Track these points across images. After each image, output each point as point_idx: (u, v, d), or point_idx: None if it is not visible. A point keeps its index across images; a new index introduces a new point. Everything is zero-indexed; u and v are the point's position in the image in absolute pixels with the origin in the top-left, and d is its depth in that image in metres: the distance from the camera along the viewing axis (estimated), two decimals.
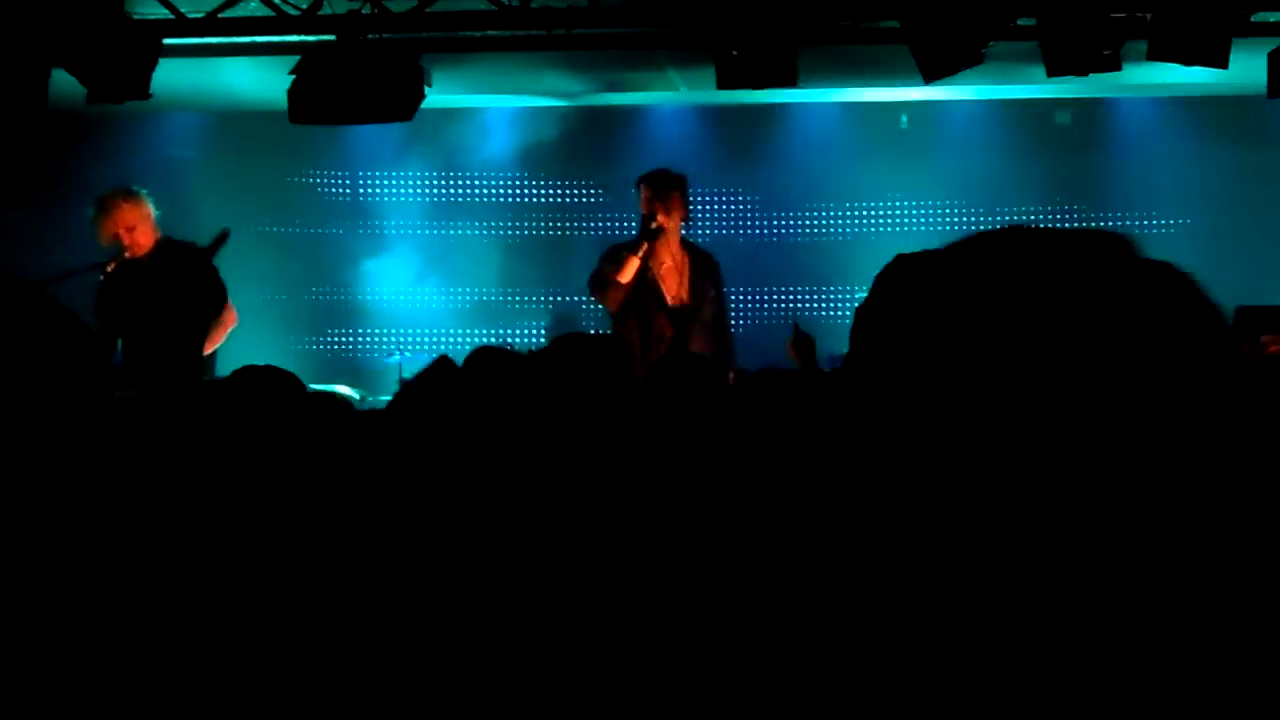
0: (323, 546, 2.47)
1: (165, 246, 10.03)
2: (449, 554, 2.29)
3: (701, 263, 9.85)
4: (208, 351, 10.05)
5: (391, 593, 2.29)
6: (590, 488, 2.22)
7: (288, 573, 2.47)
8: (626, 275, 9.55)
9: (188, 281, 9.71)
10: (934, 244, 3.47)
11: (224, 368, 10.34)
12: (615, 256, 9.65)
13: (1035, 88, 12.33)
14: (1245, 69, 9.79)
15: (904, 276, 1.85)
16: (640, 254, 9.54)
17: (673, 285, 9.71)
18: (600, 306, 10.07)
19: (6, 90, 10.05)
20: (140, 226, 9.94)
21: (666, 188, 9.66)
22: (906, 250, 3.40)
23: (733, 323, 10.38)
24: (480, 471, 2.38)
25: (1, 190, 13.58)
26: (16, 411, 2.14)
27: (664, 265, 9.70)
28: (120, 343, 9.97)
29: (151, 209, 10.04)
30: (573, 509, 2.25)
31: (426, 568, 2.30)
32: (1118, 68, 9.64)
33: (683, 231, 9.84)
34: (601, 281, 9.71)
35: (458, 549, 2.29)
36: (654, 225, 9.53)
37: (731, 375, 9.35)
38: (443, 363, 2.82)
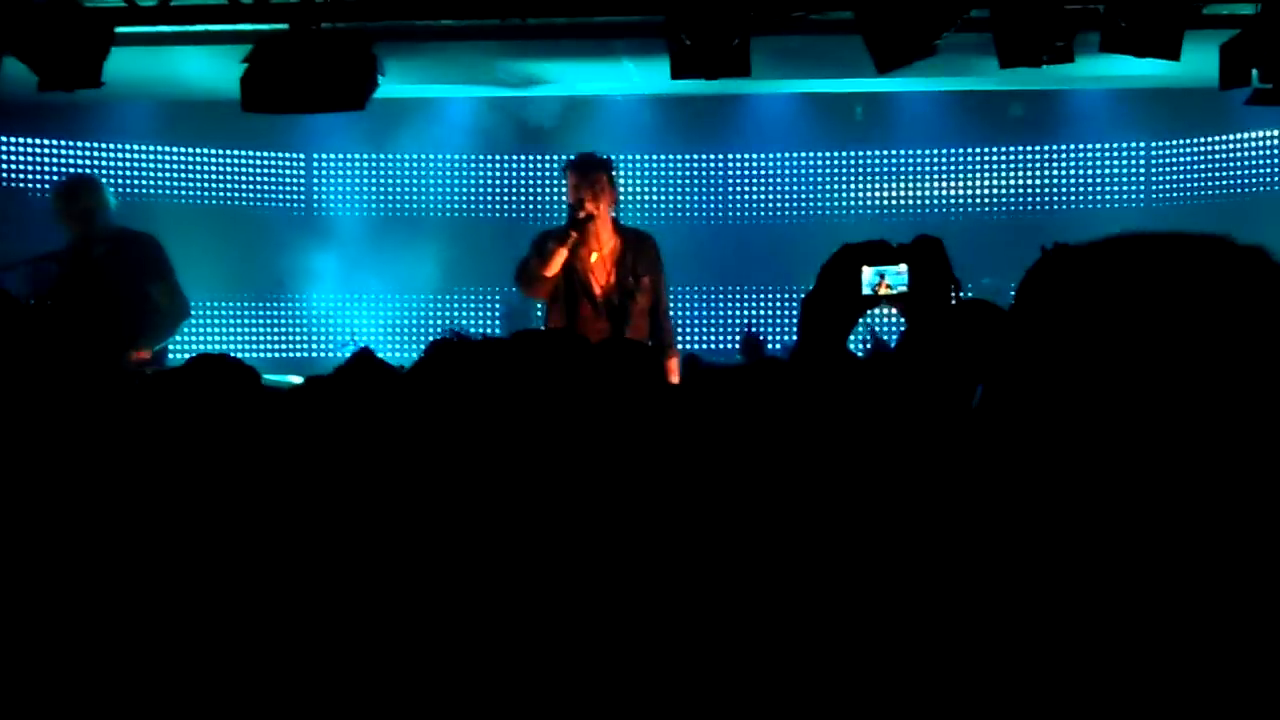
0: (283, 539, 2.47)
1: (120, 236, 10.03)
2: (414, 546, 2.29)
3: (634, 247, 9.39)
4: (158, 345, 10.05)
5: (358, 584, 2.29)
6: (535, 479, 2.22)
7: (251, 565, 2.46)
8: (552, 268, 9.14)
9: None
10: (886, 235, 3.49)
11: (176, 357, 10.32)
12: (541, 248, 9.22)
13: (989, 79, 12.36)
14: (1197, 61, 9.83)
15: (1059, 280, 1.84)
16: (567, 245, 9.13)
17: (602, 275, 9.29)
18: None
19: None
20: (96, 215, 9.95)
21: (592, 172, 9.21)
22: (854, 240, 3.42)
23: (680, 310, 10.13)
24: (443, 464, 2.38)
25: None
26: None
27: (593, 254, 9.30)
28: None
29: (109, 198, 10.04)
30: (525, 502, 2.25)
31: (392, 560, 2.29)
32: (1070, 59, 9.67)
33: (614, 215, 9.41)
34: (527, 275, 9.30)
35: (422, 541, 2.29)
36: (581, 214, 9.12)
37: (674, 360, 9.29)
38: (363, 356, 2.81)
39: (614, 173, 9.38)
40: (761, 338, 9.09)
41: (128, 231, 10.10)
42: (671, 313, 9.67)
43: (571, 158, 9.46)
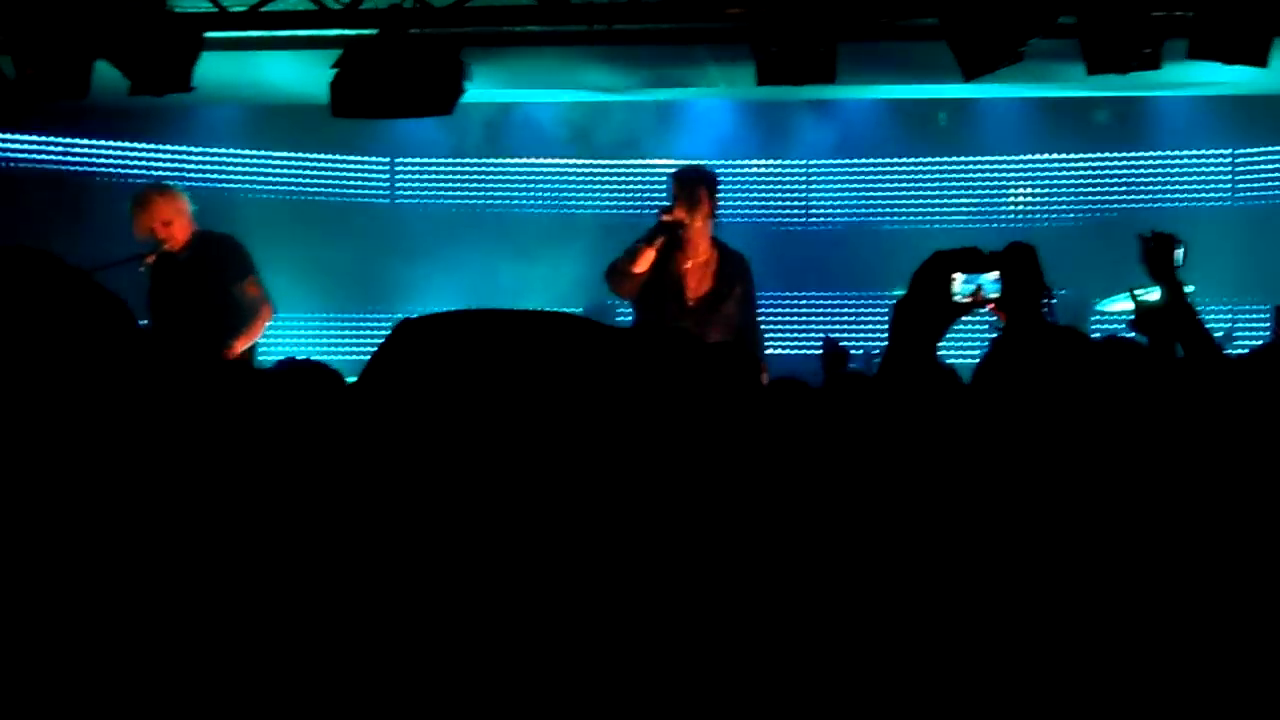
0: (352, 541, 2.49)
1: (201, 239, 10.11)
2: (479, 552, 2.30)
3: (730, 262, 9.64)
4: (245, 345, 10.12)
5: (423, 591, 2.30)
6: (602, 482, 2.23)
7: (320, 567, 2.48)
8: (640, 266, 9.33)
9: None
10: (970, 243, 3.50)
11: (264, 359, 10.41)
12: (632, 248, 9.48)
13: (1073, 86, 12.31)
14: None
15: None
16: (655, 245, 9.33)
17: (694, 282, 9.50)
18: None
19: (51, 82, 10.12)
20: (176, 221, 10.03)
21: (691, 184, 9.43)
22: (944, 247, 3.43)
23: (764, 315, 10.15)
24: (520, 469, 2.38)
25: (42, 182, 13.68)
26: (59, 395, 2.17)
27: (688, 262, 9.51)
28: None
29: (187, 203, 10.13)
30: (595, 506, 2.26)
31: (456, 565, 2.30)
32: (1157, 66, 9.62)
33: (713, 229, 9.59)
34: (615, 271, 9.51)
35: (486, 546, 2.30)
36: (667, 219, 9.31)
37: (765, 376, 9.34)
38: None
39: (715, 187, 9.53)
40: (843, 347, 9.11)
41: (209, 234, 10.19)
42: (758, 317, 9.77)
43: (677, 169, 9.67)
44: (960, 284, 3.29)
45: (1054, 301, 4.09)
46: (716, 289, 9.52)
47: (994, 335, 3.39)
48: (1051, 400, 2.63)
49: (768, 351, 10.24)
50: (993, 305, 3.36)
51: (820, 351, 9.27)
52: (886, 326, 3.25)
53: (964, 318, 3.33)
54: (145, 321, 10.16)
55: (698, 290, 9.52)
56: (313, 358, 4.97)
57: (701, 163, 10.31)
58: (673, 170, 9.74)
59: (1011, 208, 14.58)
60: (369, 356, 2.19)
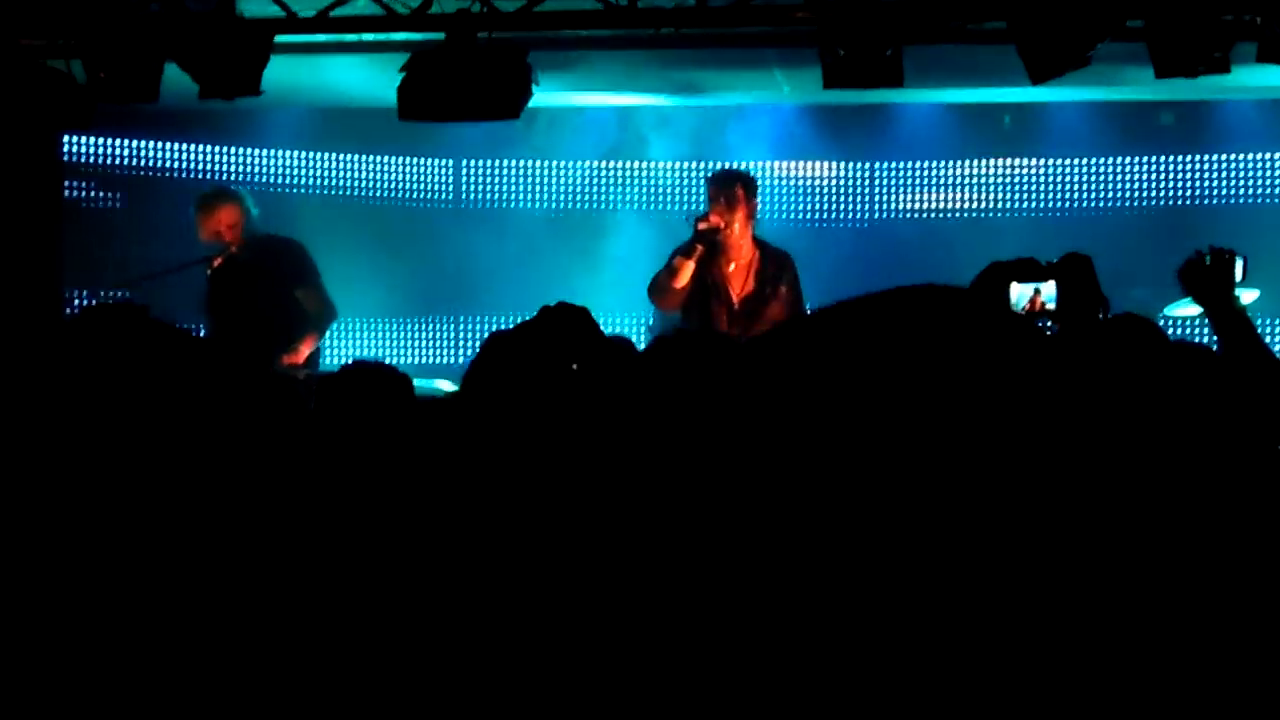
0: (430, 543, 2.50)
1: (264, 243, 10.19)
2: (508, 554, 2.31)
3: (772, 260, 9.76)
4: (309, 349, 10.19)
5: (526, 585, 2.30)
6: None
7: (400, 566, 2.49)
8: (681, 280, 9.50)
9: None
10: (1034, 248, 3.50)
11: (327, 362, 10.46)
12: (671, 263, 9.63)
13: (1139, 89, 12.23)
14: None
15: None
16: (694, 257, 9.48)
17: (738, 284, 9.63)
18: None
19: (120, 86, 10.18)
20: (240, 224, 10.12)
21: (728, 185, 9.61)
22: (1005, 255, 3.43)
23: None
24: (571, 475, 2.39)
25: (113, 185, 13.76)
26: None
27: (731, 265, 9.64)
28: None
29: (251, 207, 10.22)
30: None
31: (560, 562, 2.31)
32: (1227, 70, 9.57)
33: (753, 228, 9.79)
34: (657, 288, 9.72)
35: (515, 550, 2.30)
36: (702, 227, 9.46)
37: None
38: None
39: (753, 187, 9.76)
40: None
41: (271, 238, 10.29)
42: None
43: (712, 172, 9.80)
44: (1017, 294, 3.30)
45: (1114, 309, 4.07)
46: (760, 290, 9.65)
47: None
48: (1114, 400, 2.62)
49: None
50: (1049, 315, 3.37)
51: None
52: None
53: None
54: (207, 324, 10.26)
55: (742, 292, 9.64)
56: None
57: (762, 164, 10.36)
58: (709, 174, 9.87)
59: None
60: (433, 358, 2.21)
